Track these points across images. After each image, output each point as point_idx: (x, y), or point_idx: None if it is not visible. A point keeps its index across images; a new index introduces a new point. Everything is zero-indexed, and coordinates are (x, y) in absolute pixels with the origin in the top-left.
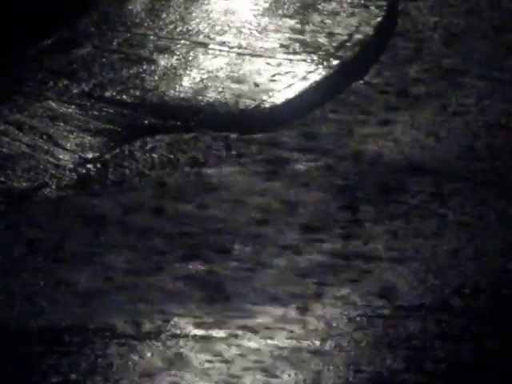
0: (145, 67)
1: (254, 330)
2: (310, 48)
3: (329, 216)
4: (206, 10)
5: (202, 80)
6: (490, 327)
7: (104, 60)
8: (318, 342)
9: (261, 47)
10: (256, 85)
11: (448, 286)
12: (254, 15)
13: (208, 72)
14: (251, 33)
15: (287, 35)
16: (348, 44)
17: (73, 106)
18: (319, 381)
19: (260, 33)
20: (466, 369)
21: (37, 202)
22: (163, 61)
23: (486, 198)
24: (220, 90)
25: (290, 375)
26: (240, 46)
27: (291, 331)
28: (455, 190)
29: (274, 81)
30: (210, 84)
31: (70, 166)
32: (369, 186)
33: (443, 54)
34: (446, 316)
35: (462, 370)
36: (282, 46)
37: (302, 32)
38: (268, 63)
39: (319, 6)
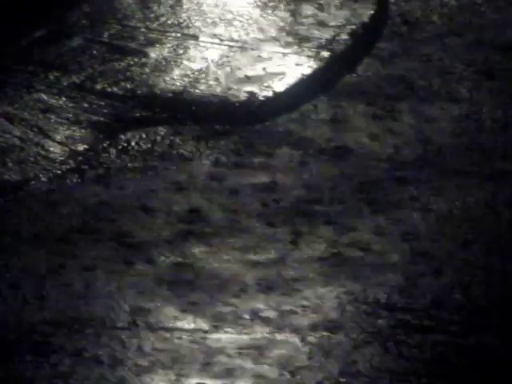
0: (135, 60)
1: None
2: (301, 40)
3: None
4: (197, 3)
5: (192, 72)
6: None
7: (95, 52)
8: None
9: (252, 40)
10: (247, 77)
11: None
12: (246, 7)
13: (199, 64)
14: (242, 25)
15: (279, 27)
16: (339, 36)
17: (63, 98)
18: None
19: (251, 25)
20: None
21: (27, 194)
22: (154, 53)
23: None
24: (211, 82)
25: None
26: (231, 39)
27: None
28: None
29: (266, 73)
30: (200, 76)
31: (61, 158)
32: (356, 179)
33: (434, 48)
34: None
35: None
36: (273, 38)
37: (293, 24)
38: (259, 56)
39: None
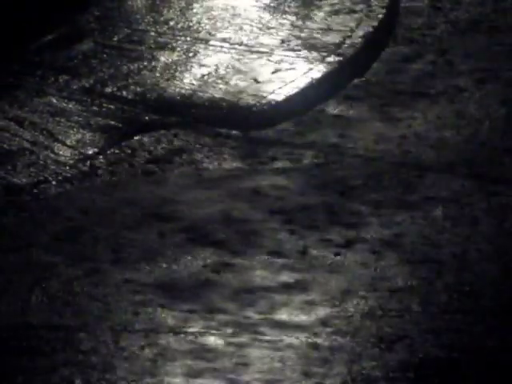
0: (145, 63)
1: None
2: (310, 45)
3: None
4: (207, 7)
5: (202, 76)
6: None
7: (104, 56)
8: None
9: (262, 44)
10: (256, 81)
11: None
12: (255, 12)
13: (208, 68)
14: (252, 29)
15: (288, 32)
16: (349, 41)
17: (73, 102)
18: None
19: (261, 29)
20: None
21: (37, 197)
22: (164, 57)
23: None
24: (220, 86)
25: None
26: (241, 43)
27: None
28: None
29: (275, 77)
30: (210, 80)
31: (70, 161)
32: (365, 181)
33: (443, 51)
34: None
35: None
36: (282, 42)
37: (302, 29)
38: (269, 60)
39: (320, 3)
